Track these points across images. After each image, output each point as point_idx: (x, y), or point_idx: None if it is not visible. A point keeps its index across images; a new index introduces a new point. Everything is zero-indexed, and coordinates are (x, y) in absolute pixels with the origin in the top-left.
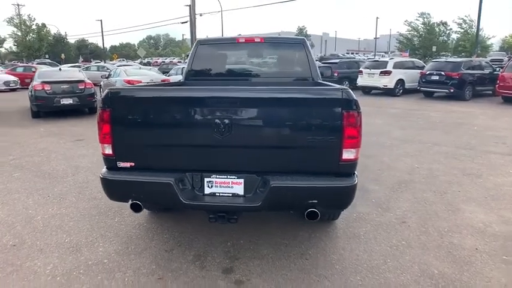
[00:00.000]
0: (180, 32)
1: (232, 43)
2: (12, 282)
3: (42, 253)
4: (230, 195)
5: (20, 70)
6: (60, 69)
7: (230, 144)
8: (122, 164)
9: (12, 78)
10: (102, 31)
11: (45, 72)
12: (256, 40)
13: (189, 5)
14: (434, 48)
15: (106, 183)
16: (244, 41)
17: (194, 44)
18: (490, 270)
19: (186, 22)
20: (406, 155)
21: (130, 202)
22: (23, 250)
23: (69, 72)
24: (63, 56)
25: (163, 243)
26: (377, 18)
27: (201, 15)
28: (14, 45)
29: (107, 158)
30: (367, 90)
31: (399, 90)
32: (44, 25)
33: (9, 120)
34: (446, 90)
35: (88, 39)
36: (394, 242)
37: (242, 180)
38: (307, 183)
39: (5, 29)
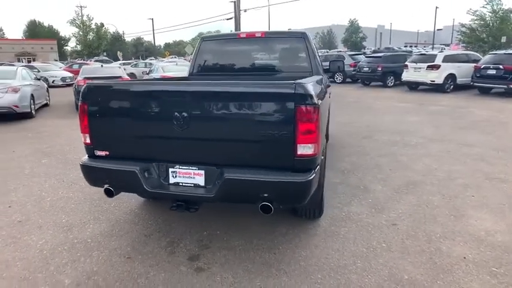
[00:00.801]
0: (229, 28)
1: (234, 39)
2: (7, 252)
3: (40, 230)
4: (192, 185)
5: (75, 67)
6: (102, 66)
7: (189, 136)
8: (98, 153)
9: (68, 74)
10: (153, 29)
11: (88, 69)
12: (257, 35)
13: (234, 1)
14: (504, 39)
15: (83, 169)
16: (245, 36)
17: (198, 41)
18: (469, 281)
19: (231, 18)
20: (428, 155)
21: (104, 187)
22: (26, 226)
23: (110, 68)
24: (120, 53)
25: (145, 228)
26: (436, 7)
27: (245, 11)
28: (77, 44)
29: (86, 147)
30: (414, 86)
31: (449, 86)
32: (102, 24)
33: (57, 113)
34: (505, 86)
35: (143, 38)
36: (374, 244)
37: (203, 172)
38: (260, 177)
39: (69, 29)
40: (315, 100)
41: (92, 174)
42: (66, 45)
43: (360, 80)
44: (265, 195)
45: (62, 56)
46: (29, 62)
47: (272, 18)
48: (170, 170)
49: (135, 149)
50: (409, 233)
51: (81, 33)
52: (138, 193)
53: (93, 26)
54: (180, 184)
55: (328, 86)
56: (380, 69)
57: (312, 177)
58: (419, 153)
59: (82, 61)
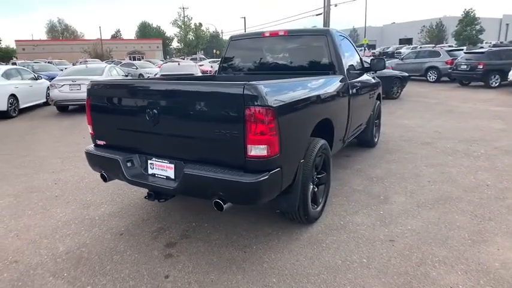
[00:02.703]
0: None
1: (258, 37)
2: (33, 220)
3: (66, 205)
4: (165, 177)
5: None
6: (179, 63)
7: (160, 131)
8: (98, 142)
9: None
10: (245, 28)
11: (167, 67)
12: (280, 34)
13: None
14: None
15: (86, 155)
16: (269, 34)
17: (227, 40)
18: None
19: (321, 14)
20: (489, 169)
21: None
22: (58, 201)
23: (187, 66)
24: (216, 51)
25: (146, 213)
26: None
27: (335, 5)
28: (178, 43)
29: (91, 136)
30: None
31: None
32: (200, 24)
33: None
34: None
35: None
36: (353, 258)
37: (173, 166)
38: (213, 174)
39: (173, 29)
40: (268, 102)
41: (90, 160)
42: (170, 45)
43: (456, 80)
44: (218, 192)
45: (167, 54)
46: (139, 59)
47: (367, 12)
48: (149, 161)
49: (122, 140)
50: (402, 253)
51: (181, 33)
52: (122, 180)
53: (192, 26)
54: (156, 175)
55: (366, 85)
56: (481, 66)
57: (262, 178)
58: (477, 166)
59: (179, 59)
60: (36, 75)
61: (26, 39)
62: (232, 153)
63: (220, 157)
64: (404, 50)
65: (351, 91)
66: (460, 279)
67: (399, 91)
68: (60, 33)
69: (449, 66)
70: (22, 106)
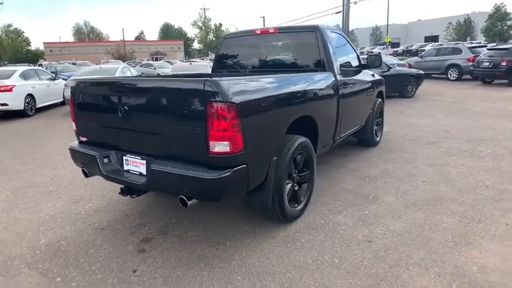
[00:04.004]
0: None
1: (250, 35)
2: (23, 213)
3: (58, 199)
4: (138, 173)
5: None
6: (190, 63)
7: (131, 128)
8: (81, 138)
9: None
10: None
11: (177, 67)
12: (270, 31)
13: None
14: None
15: (69, 151)
16: (260, 32)
17: (221, 39)
18: None
19: (340, 12)
20: (493, 170)
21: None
22: (51, 195)
23: (198, 66)
24: None
25: (130, 209)
26: None
27: (355, 3)
28: (198, 43)
29: (75, 133)
30: None
31: None
32: (220, 25)
33: None
34: None
35: None
36: (325, 258)
37: (144, 162)
38: (177, 170)
39: (194, 30)
40: (230, 98)
41: (73, 156)
42: (192, 45)
43: (478, 78)
44: (182, 188)
45: (188, 55)
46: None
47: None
48: (124, 158)
49: (100, 137)
50: (377, 254)
51: (201, 33)
52: (99, 175)
53: (212, 27)
54: (130, 171)
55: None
56: (504, 63)
57: (224, 175)
58: (479, 166)
59: (199, 59)
60: (53, 76)
61: (53, 42)
62: (196, 149)
63: (187, 153)
64: (429, 47)
65: (341, 89)
66: (432, 283)
67: (414, 89)
68: (86, 35)
69: (471, 63)
70: (39, 105)
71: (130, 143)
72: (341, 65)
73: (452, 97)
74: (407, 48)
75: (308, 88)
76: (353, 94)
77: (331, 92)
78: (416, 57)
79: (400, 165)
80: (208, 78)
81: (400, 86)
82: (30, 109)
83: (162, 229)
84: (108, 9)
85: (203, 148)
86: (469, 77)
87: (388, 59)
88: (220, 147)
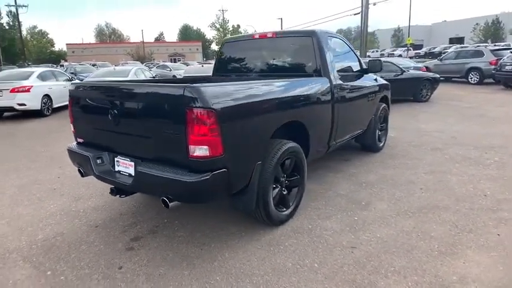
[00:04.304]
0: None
1: (249, 40)
2: (27, 209)
3: (60, 197)
4: (127, 174)
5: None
6: (202, 65)
7: (121, 130)
8: (78, 139)
9: None
10: (281, 28)
11: (189, 69)
12: (268, 35)
13: None
14: None
15: (68, 152)
16: (258, 37)
17: (221, 43)
18: None
19: (358, 13)
20: (496, 178)
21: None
22: (54, 193)
23: (209, 68)
24: None
25: (126, 208)
26: None
27: (374, 4)
28: (217, 45)
29: (73, 134)
30: None
31: None
32: (238, 26)
33: None
34: None
35: None
36: (305, 262)
37: (133, 163)
38: (159, 172)
39: (212, 32)
40: (209, 104)
41: (70, 157)
42: (210, 47)
43: (501, 82)
44: (165, 190)
45: (207, 56)
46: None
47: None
48: (115, 159)
49: (94, 138)
50: (358, 260)
51: (219, 35)
52: (93, 175)
53: (230, 29)
54: (121, 172)
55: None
56: None
57: (203, 178)
58: (482, 175)
59: (203, 61)
60: (70, 77)
61: (76, 43)
62: (178, 153)
63: (170, 156)
64: (451, 50)
65: (337, 94)
66: None
67: (429, 93)
68: (108, 37)
69: (493, 67)
70: (55, 105)
71: (121, 145)
72: (339, 70)
73: (469, 102)
74: (429, 50)
75: (297, 94)
76: (351, 99)
77: (325, 97)
78: (436, 60)
79: (400, 172)
80: (189, 84)
81: (414, 90)
82: (47, 109)
83: (152, 228)
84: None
85: (184, 152)
86: (491, 81)
87: (404, 61)
88: (199, 151)
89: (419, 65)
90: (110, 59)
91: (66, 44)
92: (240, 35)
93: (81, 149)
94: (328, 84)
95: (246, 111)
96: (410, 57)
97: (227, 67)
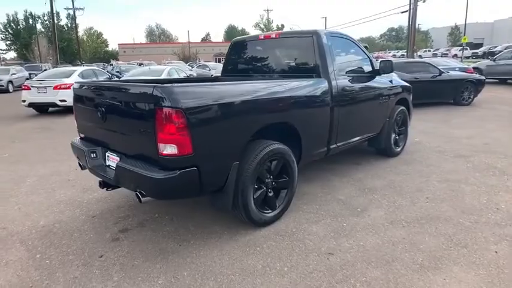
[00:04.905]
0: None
1: (255, 40)
2: (39, 198)
3: (71, 188)
4: (114, 169)
5: None
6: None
7: (108, 127)
8: (80, 135)
9: None
10: (325, 27)
11: (214, 65)
12: (272, 36)
13: None
14: None
15: (71, 146)
16: (263, 37)
17: (230, 43)
18: None
19: (406, 11)
20: None
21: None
22: (67, 184)
23: None
24: None
25: (126, 201)
26: None
27: (424, 1)
28: None
29: (77, 130)
30: None
31: None
32: (282, 26)
33: None
34: None
35: None
36: (277, 265)
37: (118, 159)
38: (133, 168)
39: (255, 32)
40: (177, 103)
41: (72, 150)
42: None
43: None
44: (137, 185)
45: None
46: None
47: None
48: (106, 154)
49: (91, 134)
50: (330, 267)
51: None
52: (87, 169)
53: (274, 28)
54: (110, 167)
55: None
56: None
57: (170, 176)
58: (503, 186)
59: None
60: (110, 76)
61: (127, 43)
62: (150, 150)
63: (145, 153)
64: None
65: (338, 95)
66: None
67: (471, 97)
68: (157, 37)
69: None
70: None
71: (110, 141)
72: (343, 71)
73: None
74: (489, 49)
75: (285, 95)
76: (358, 101)
77: (322, 99)
78: (488, 61)
79: (410, 179)
80: (158, 84)
81: (454, 93)
82: None
83: (142, 222)
84: (179, 12)
85: (155, 149)
86: None
87: (449, 62)
88: (168, 149)
89: (466, 65)
90: (158, 58)
91: (118, 44)
92: (247, 35)
93: (80, 144)
94: (326, 86)
95: (218, 112)
96: (466, 58)
97: (234, 67)
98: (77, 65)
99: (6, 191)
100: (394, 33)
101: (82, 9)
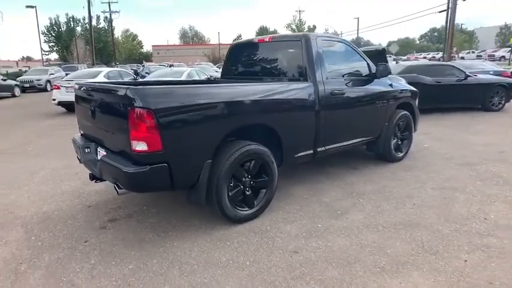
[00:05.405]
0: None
1: (250, 43)
2: (47, 187)
3: (77, 180)
4: None
5: None
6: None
7: (96, 125)
8: (80, 132)
9: None
10: (357, 29)
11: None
12: (265, 40)
13: None
14: None
15: (72, 141)
16: (258, 41)
17: (229, 47)
18: None
19: (444, 11)
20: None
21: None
22: (74, 176)
23: None
24: None
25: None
26: None
27: None
28: None
29: (78, 127)
30: None
31: None
32: (314, 27)
33: None
34: None
35: (362, 37)
36: (240, 259)
37: (105, 154)
38: (111, 161)
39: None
40: (147, 104)
41: (73, 145)
42: None
43: None
44: (114, 177)
45: None
46: None
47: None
48: (98, 149)
49: (85, 130)
50: (290, 265)
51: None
52: (82, 163)
53: (306, 29)
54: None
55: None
56: None
57: (140, 170)
58: (502, 196)
59: None
60: (135, 77)
61: (160, 44)
62: (126, 146)
63: (124, 149)
64: None
65: (325, 99)
66: None
67: (502, 102)
68: (190, 39)
69: None
70: None
71: (100, 137)
72: (335, 75)
73: None
74: None
75: (262, 97)
76: (349, 105)
77: (306, 101)
78: None
79: (404, 185)
80: (131, 86)
81: (482, 98)
82: None
83: (130, 213)
84: (211, 13)
85: (129, 146)
86: None
87: (483, 64)
88: (140, 146)
89: (503, 68)
90: (189, 60)
91: (152, 46)
92: (244, 39)
93: (78, 140)
94: (312, 89)
95: (189, 112)
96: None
97: (232, 70)
98: (111, 66)
99: (21, 181)
100: (436, 33)
101: (118, 12)
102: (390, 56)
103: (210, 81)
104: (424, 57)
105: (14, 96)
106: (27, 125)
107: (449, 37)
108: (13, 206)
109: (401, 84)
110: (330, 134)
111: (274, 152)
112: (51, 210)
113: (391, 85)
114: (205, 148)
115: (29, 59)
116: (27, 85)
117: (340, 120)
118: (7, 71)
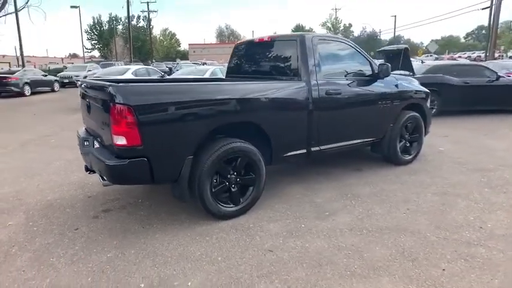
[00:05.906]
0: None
1: (251, 43)
2: (58, 178)
3: (83, 171)
4: None
5: None
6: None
7: (91, 119)
8: (84, 126)
9: None
10: (394, 27)
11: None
12: (265, 39)
13: None
14: None
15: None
16: (258, 41)
17: (234, 46)
18: None
19: (487, 8)
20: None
21: None
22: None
23: None
24: (371, 52)
25: (121, 186)
26: None
27: None
28: None
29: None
30: None
31: None
32: (350, 25)
33: None
34: None
35: (403, 36)
36: (214, 254)
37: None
38: (97, 154)
39: (322, 31)
40: (127, 100)
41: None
42: None
43: None
44: (99, 169)
45: None
46: None
47: None
48: (94, 142)
49: (87, 124)
50: (261, 263)
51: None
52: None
53: (341, 28)
54: None
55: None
56: None
57: (120, 163)
58: (507, 205)
59: None
60: (162, 74)
61: (196, 43)
62: (110, 140)
63: (110, 143)
64: None
65: (319, 98)
66: None
67: None
68: (227, 37)
69: None
70: None
71: (96, 131)
72: (332, 75)
73: None
74: None
75: (249, 95)
76: (347, 105)
77: (298, 101)
78: None
79: (404, 189)
80: (113, 83)
81: (510, 99)
82: None
83: (124, 205)
84: (248, 12)
85: (111, 140)
86: None
87: None
88: (119, 140)
89: None
90: (224, 58)
91: (189, 44)
92: (246, 39)
93: (81, 133)
94: (305, 89)
95: (170, 109)
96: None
97: (235, 69)
98: (148, 64)
99: (36, 171)
100: (484, 31)
101: (156, 11)
102: (431, 55)
103: (209, 79)
104: (469, 57)
105: (53, 91)
106: (56, 118)
107: (493, 35)
108: (22, 193)
109: (411, 85)
110: (325, 134)
111: (264, 150)
112: (55, 198)
113: (396, 86)
114: (186, 144)
115: (74, 56)
116: (66, 80)
117: (337, 120)
118: (49, 67)
